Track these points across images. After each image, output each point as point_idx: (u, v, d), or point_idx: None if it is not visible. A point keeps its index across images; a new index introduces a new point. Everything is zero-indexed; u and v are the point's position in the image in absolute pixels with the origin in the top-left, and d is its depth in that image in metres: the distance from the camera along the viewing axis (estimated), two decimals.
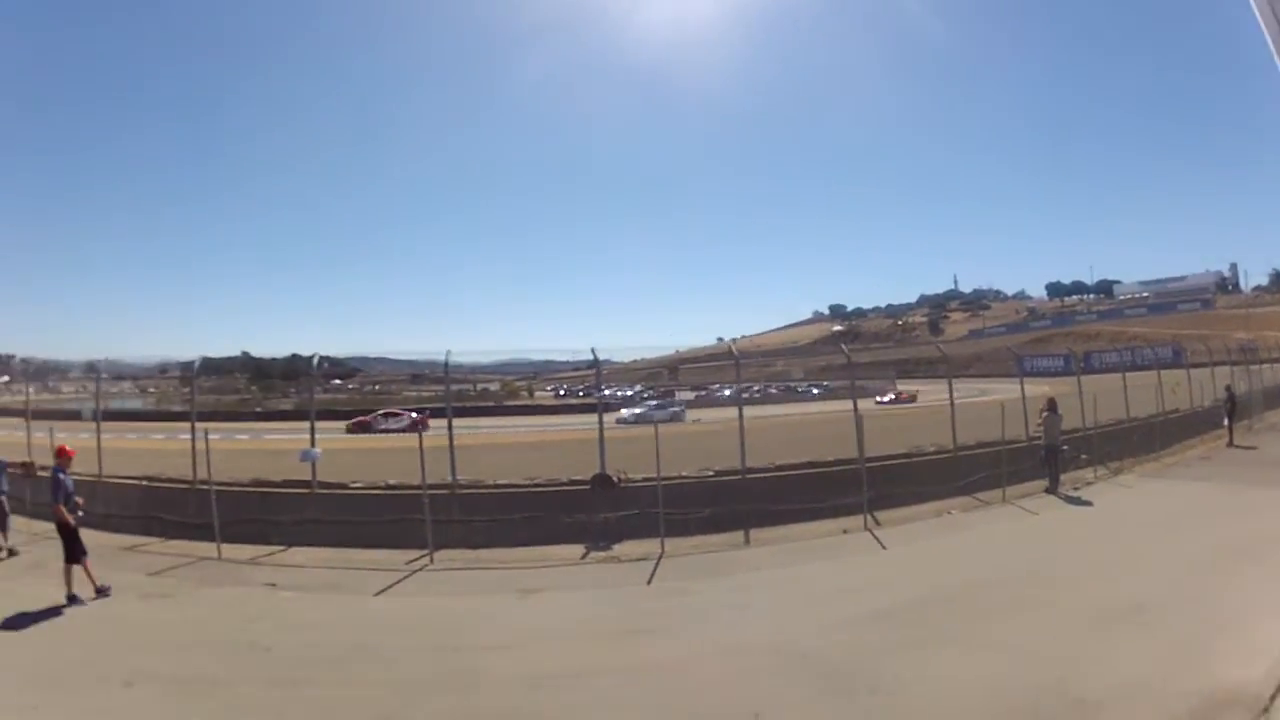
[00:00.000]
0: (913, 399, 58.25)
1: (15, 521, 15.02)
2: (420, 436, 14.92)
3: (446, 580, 12.58)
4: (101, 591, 11.32)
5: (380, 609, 11.16)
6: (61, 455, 11.84)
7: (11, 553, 14.16)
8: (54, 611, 10.72)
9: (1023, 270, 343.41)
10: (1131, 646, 8.22)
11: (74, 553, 11.26)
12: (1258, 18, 3.80)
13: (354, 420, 40.84)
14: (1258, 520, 14.27)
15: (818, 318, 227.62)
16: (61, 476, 11.55)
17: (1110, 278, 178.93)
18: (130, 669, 8.40)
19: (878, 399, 59.40)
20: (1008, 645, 8.48)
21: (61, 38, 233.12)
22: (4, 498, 14.47)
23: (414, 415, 41.15)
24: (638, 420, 37.80)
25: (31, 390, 32.35)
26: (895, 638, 8.80)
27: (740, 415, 16.80)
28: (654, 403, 32.90)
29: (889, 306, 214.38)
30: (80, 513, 11.56)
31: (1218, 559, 11.72)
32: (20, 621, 10.39)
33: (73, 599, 11.00)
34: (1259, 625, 8.62)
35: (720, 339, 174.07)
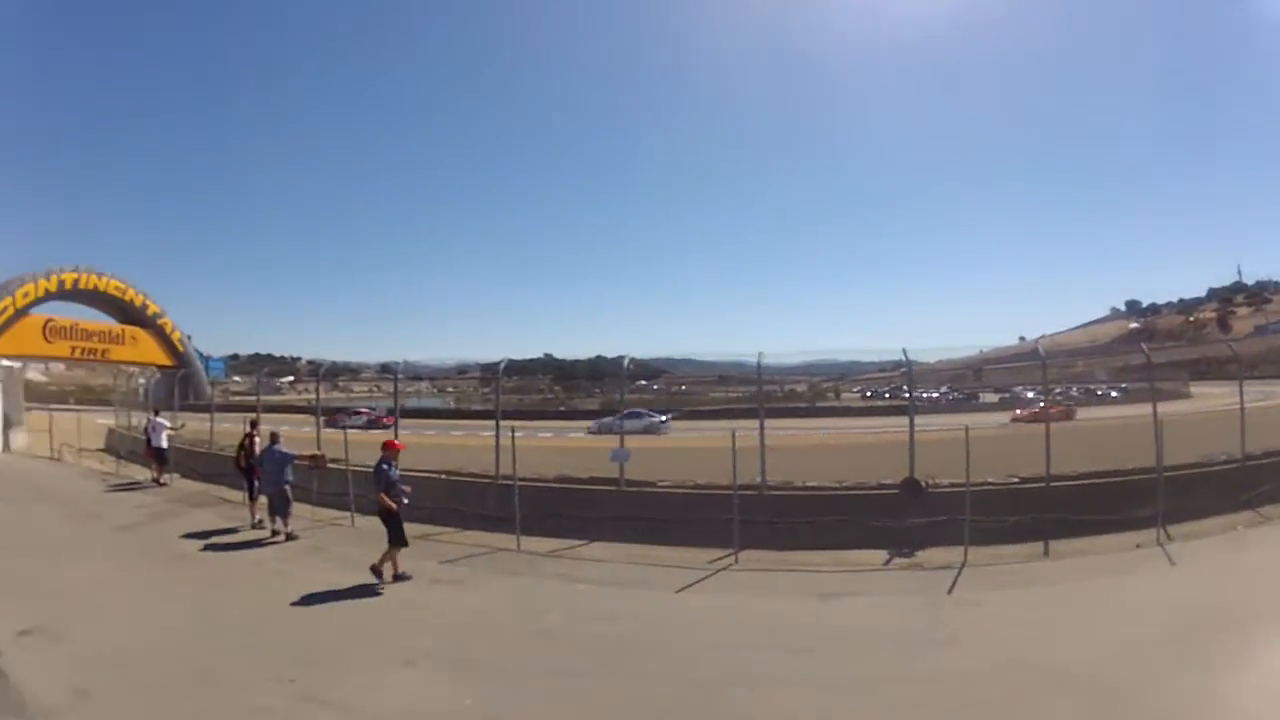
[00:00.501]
0: (1069, 415, 41.71)
1: (300, 509, 16.25)
2: (734, 437, 14.21)
3: (749, 580, 12.34)
4: (400, 577, 12.01)
5: (680, 606, 11.11)
6: (388, 448, 12.84)
7: (290, 537, 15.18)
8: (334, 594, 11.29)
9: None
10: None
11: (397, 537, 12.13)
12: None
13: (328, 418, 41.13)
14: None
15: (1115, 315, 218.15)
16: (385, 468, 12.43)
17: None
18: (412, 649, 8.83)
19: (1016, 413, 43.53)
20: None
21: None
22: (288, 487, 15.56)
23: (370, 412, 41.53)
24: (600, 430, 34.99)
25: (322, 389, 33.97)
26: (1179, 661, 8.22)
27: (1046, 423, 16.23)
28: (625, 413, 29.78)
29: (1181, 301, 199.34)
30: (405, 500, 12.48)
31: None
32: (307, 600, 11.06)
33: (400, 577, 11.98)
34: None
35: (1022, 338, 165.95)
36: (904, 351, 17.96)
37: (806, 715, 7.12)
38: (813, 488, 15.96)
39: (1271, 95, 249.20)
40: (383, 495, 12.12)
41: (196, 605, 10.95)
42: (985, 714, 7.22)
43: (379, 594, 11.36)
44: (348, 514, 16.80)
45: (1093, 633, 9.33)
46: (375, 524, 15.74)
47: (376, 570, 11.89)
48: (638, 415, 40.28)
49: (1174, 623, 9.51)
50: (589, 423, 41.23)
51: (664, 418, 43.11)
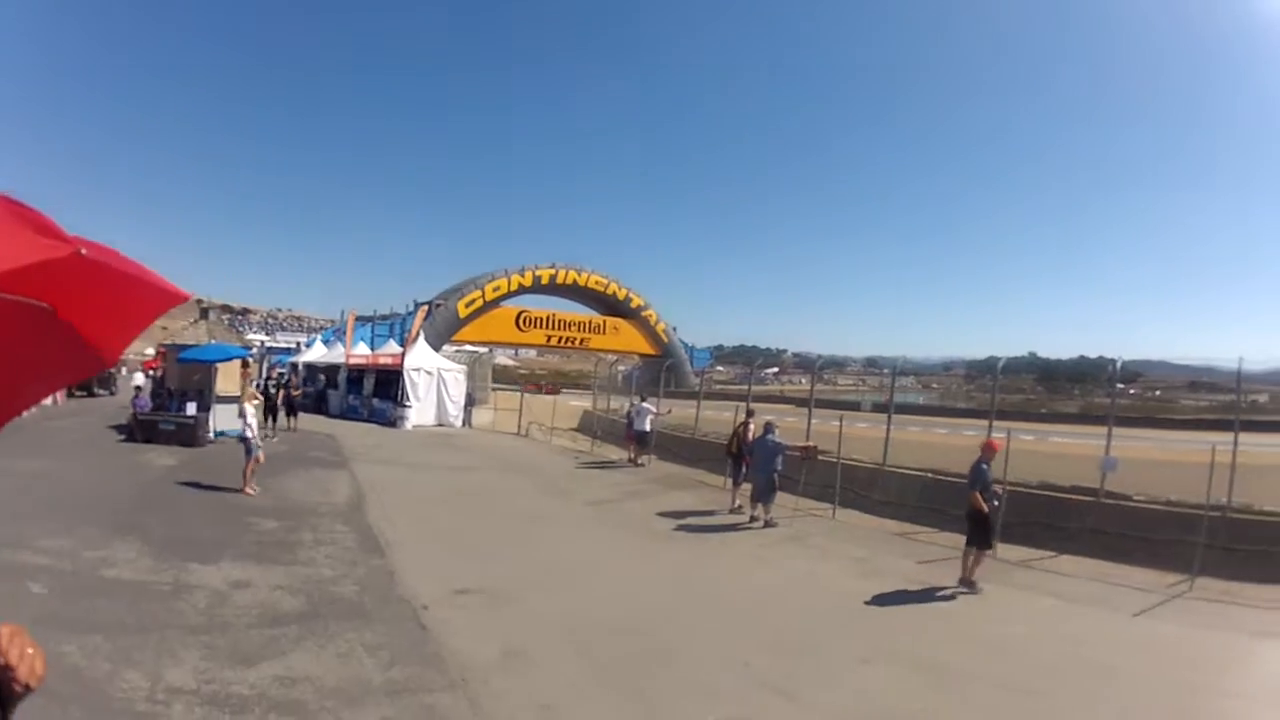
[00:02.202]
0: None
1: (782, 499, 17.18)
2: (1214, 452, 14.05)
3: (1201, 611, 11.94)
4: (968, 585, 12.38)
5: (1134, 632, 10.93)
6: (988, 448, 13.37)
7: (769, 524, 16.26)
8: (807, 582, 12.47)
9: None
10: None
11: (982, 540, 12.73)
12: None
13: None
14: None
15: None
16: (984, 468, 13.00)
17: None
18: (871, 646, 9.38)
19: None
20: None
21: None
22: (776, 476, 16.65)
23: None
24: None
25: (804, 380, 35.98)
26: None
27: None
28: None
29: None
30: (996, 502, 13.33)
31: None
32: (777, 586, 12.20)
33: (969, 584, 12.38)
34: None
35: None
36: None
37: None
38: (1272, 513, 15.20)
39: None
40: (977, 495, 12.72)
41: (660, 580, 12.04)
42: None
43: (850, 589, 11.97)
44: (830, 506, 17.75)
45: None
46: (855, 516, 17.32)
47: (966, 581, 12.44)
48: None
49: None
50: (1068, 426, 39.83)
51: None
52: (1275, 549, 14.10)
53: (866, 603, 11.36)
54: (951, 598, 11.88)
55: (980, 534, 12.66)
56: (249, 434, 16.44)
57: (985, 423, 18.85)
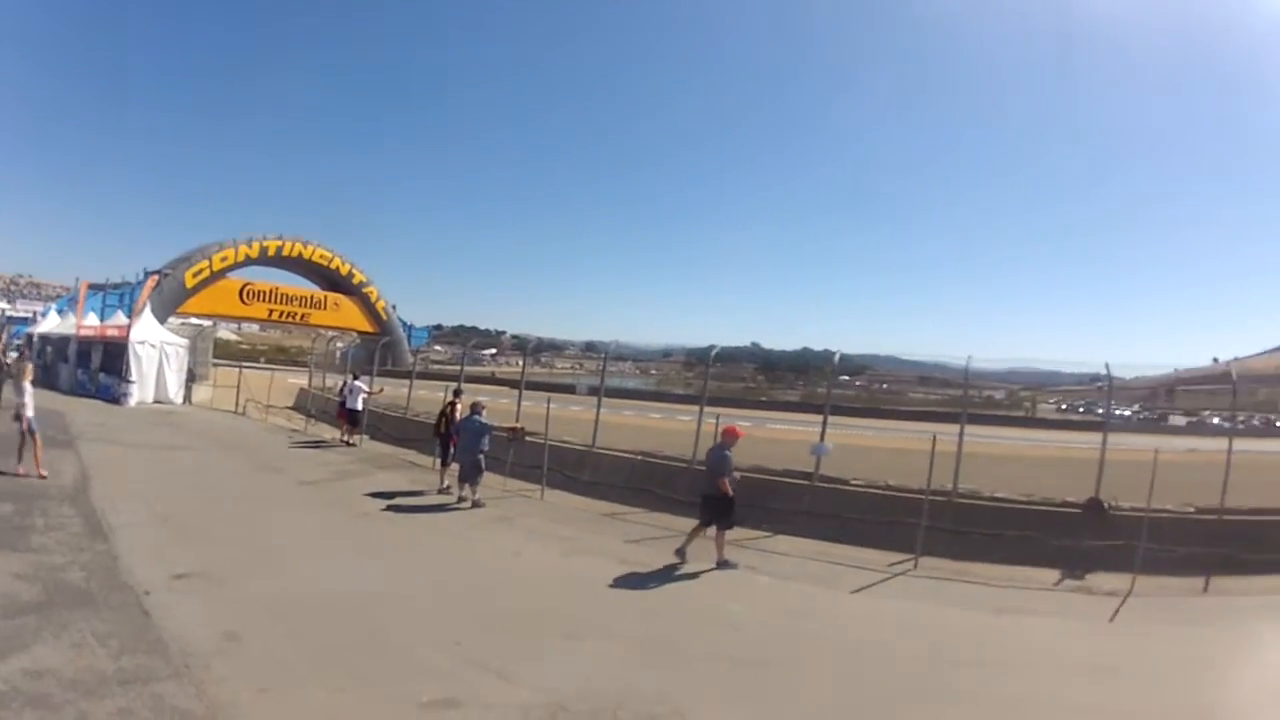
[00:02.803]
0: None
1: (490, 479, 17.04)
2: (934, 441, 14.64)
3: (926, 588, 12.62)
4: (723, 564, 12.65)
5: (854, 607, 11.42)
6: (729, 435, 13.67)
7: (477, 505, 16.04)
8: (513, 561, 12.44)
9: None
10: None
11: (726, 521, 13.06)
12: None
13: None
14: None
15: None
16: (727, 454, 13.34)
17: None
18: (582, 624, 9.38)
19: None
20: None
21: None
22: (483, 456, 16.42)
23: None
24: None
25: (523, 364, 35.62)
26: None
27: (1229, 449, 16.14)
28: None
29: None
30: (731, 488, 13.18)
31: None
32: (483, 565, 12.26)
33: (723, 563, 12.65)
34: None
35: (1215, 359, 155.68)
36: (1106, 366, 18.18)
37: None
38: (1000, 499, 16.13)
39: None
40: (724, 481, 12.95)
41: (370, 561, 11.78)
42: None
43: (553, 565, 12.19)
44: (538, 487, 17.53)
45: (1248, 678, 9.50)
46: (564, 497, 17.09)
47: (679, 553, 12.81)
48: None
49: None
50: (786, 414, 40.72)
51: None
52: (999, 531, 15.04)
53: (577, 581, 11.46)
54: (669, 576, 12.02)
55: (725, 516, 12.96)
56: (29, 412, 15.29)
57: (701, 408, 19.03)
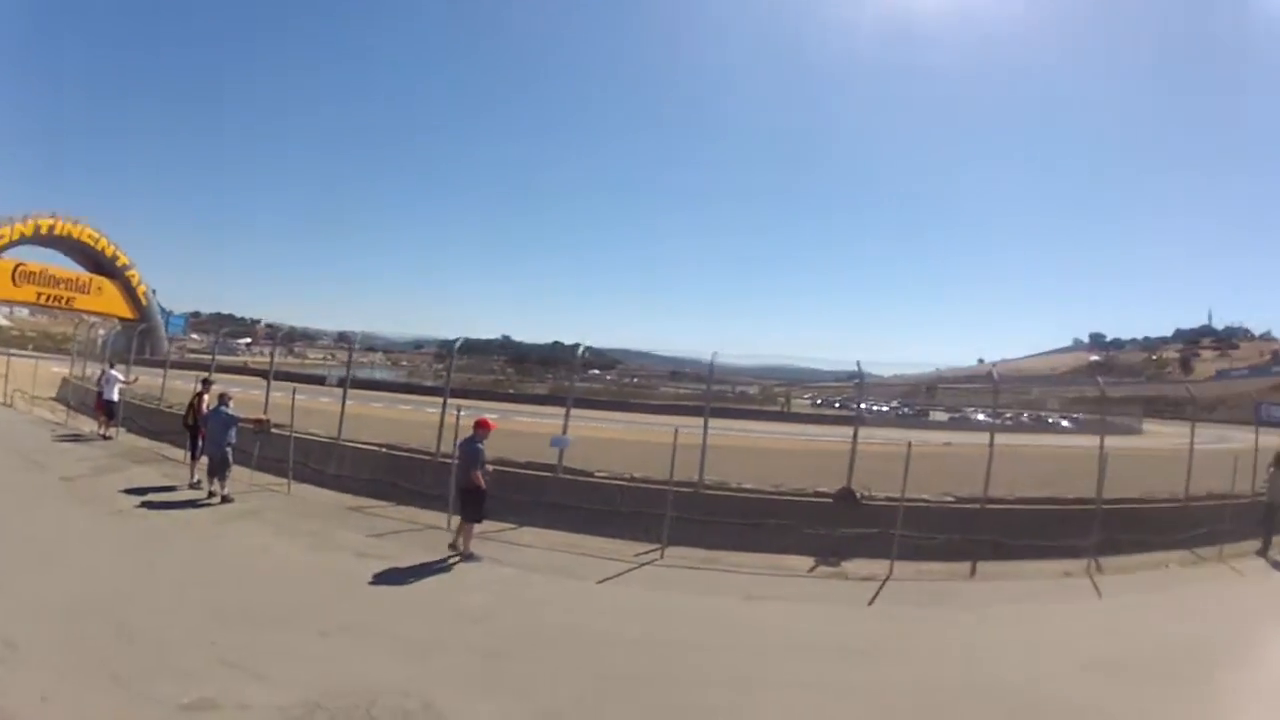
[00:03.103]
0: None
1: (238, 473, 16.14)
2: (676, 434, 14.43)
3: (673, 577, 12.46)
4: (468, 556, 12.22)
5: (600, 597, 11.22)
6: (481, 427, 13.16)
7: (226, 499, 15.08)
8: (264, 558, 11.58)
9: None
10: None
11: (475, 514, 12.59)
12: None
13: None
14: None
15: (1077, 346, 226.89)
16: (478, 446, 12.90)
17: None
18: (329, 621, 8.87)
19: None
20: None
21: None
22: (230, 450, 15.58)
23: None
24: None
25: (277, 354, 33.33)
26: (1092, 694, 8.43)
27: (991, 442, 16.58)
28: None
29: (1145, 339, 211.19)
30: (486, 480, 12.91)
31: None
32: (234, 563, 11.28)
33: (468, 556, 12.21)
34: None
35: (981, 360, 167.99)
36: (858, 364, 18.48)
37: (718, 716, 7.23)
38: (748, 490, 15.98)
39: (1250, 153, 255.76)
40: (476, 474, 12.55)
41: (125, 562, 10.89)
42: None
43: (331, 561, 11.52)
44: (285, 481, 16.58)
45: (1013, 659, 9.51)
46: (312, 491, 16.25)
47: (454, 546, 12.31)
48: None
49: (1093, 656, 9.63)
50: (535, 407, 40.27)
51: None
52: (750, 521, 14.76)
53: (326, 576, 10.93)
54: (414, 570, 11.39)
55: (475, 509, 12.64)
56: None
57: (445, 400, 18.21)
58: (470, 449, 12.96)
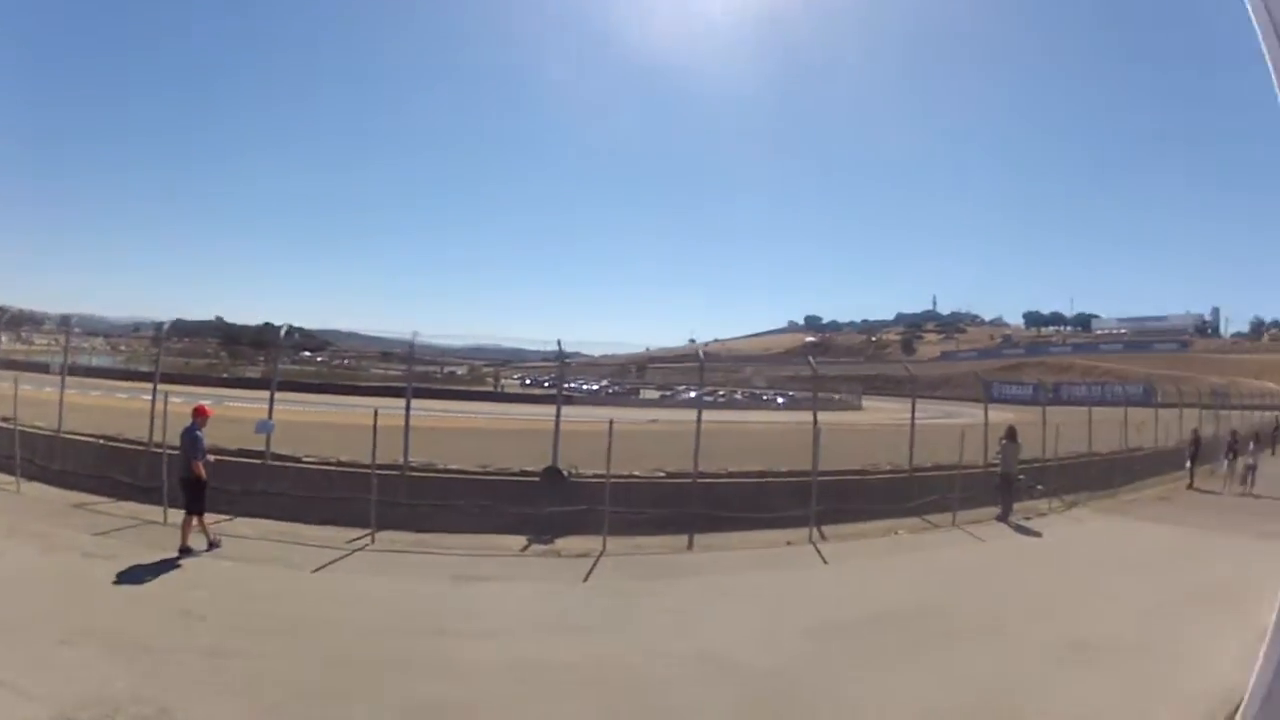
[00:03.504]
0: None
1: None
2: (376, 415, 14.92)
3: (385, 561, 12.95)
4: (187, 551, 12.25)
5: (315, 586, 11.55)
6: (199, 415, 13.27)
7: None
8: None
9: (1003, 297, 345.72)
10: (1074, 681, 8.59)
11: (197, 505, 12.62)
12: (1264, 52, 3.53)
13: None
14: (1208, 565, 14.79)
15: (792, 327, 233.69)
16: (198, 435, 12.96)
17: (1090, 311, 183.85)
18: (67, 628, 8.74)
19: None
20: (940, 670, 8.82)
21: None
22: None
23: None
24: None
25: (4, 340, 31.61)
26: (820, 654, 9.14)
27: (699, 418, 17.12)
28: None
29: (865, 322, 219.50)
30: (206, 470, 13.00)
31: (1163, 600, 12.10)
32: None
33: (186, 550, 12.22)
34: (1200, 671, 8.73)
35: (692, 340, 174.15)
36: (559, 343, 19.26)
37: (447, 700, 7.50)
38: (454, 470, 16.60)
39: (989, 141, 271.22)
40: (198, 463, 12.63)
41: None
42: (633, 701, 7.79)
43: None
44: (14, 479, 16.06)
45: (740, 625, 10.25)
46: (39, 489, 15.92)
47: (184, 548, 12.16)
48: None
49: (820, 620, 10.41)
50: (248, 391, 38.63)
51: None
52: (457, 502, 15.38)
53: (58, 580, 10.81)
54: (138, 570, 11.34)
55: (197, 500, 12.71)
56: None
57: (168, 386, 18.12)
58: (190, 437, 13.00)
